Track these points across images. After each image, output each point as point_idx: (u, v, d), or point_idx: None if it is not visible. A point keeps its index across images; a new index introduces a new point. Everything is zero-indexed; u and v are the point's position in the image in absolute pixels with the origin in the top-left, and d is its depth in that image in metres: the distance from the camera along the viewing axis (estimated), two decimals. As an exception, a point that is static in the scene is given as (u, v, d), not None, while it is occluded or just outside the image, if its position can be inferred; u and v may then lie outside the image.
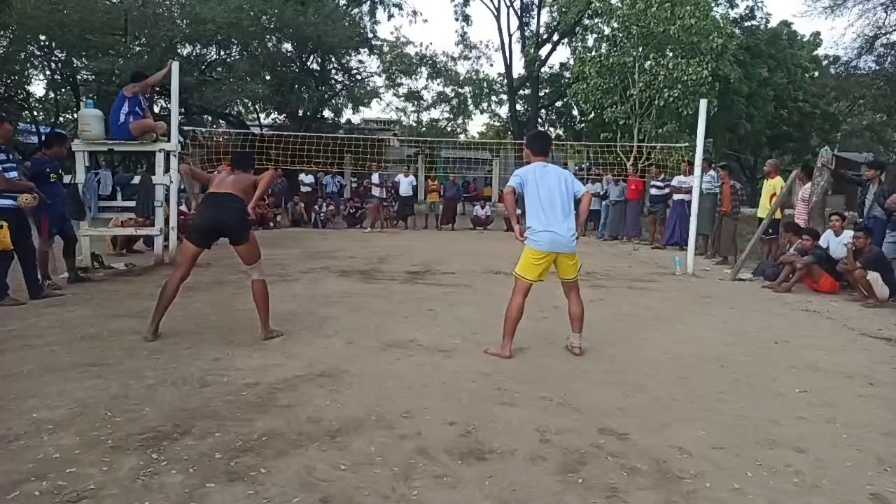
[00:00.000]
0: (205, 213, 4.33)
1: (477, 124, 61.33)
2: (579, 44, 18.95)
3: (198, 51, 19.37)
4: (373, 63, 26.14)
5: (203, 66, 19.47)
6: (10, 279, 5.42)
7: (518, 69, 27.12)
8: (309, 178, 16.16)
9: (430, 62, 27.80)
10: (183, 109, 7.56)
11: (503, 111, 30.47)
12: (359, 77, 23.61)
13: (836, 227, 7.29)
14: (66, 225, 6.44)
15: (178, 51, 18.12)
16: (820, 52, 29.44)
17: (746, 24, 25.62)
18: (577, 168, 19.53)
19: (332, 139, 16.11)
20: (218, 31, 16.66)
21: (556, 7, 22.46)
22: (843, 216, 7.43)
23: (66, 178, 6.90)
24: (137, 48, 17.38)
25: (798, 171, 9.07)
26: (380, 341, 4.42)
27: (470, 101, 29.86)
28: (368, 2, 24.54)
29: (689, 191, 9.85)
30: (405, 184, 15.47)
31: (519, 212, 4.42)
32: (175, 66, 7.84)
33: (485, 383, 3.58)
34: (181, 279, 4.36)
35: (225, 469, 2.44)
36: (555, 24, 25.10)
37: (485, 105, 30.05)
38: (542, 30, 26.30)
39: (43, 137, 16.27)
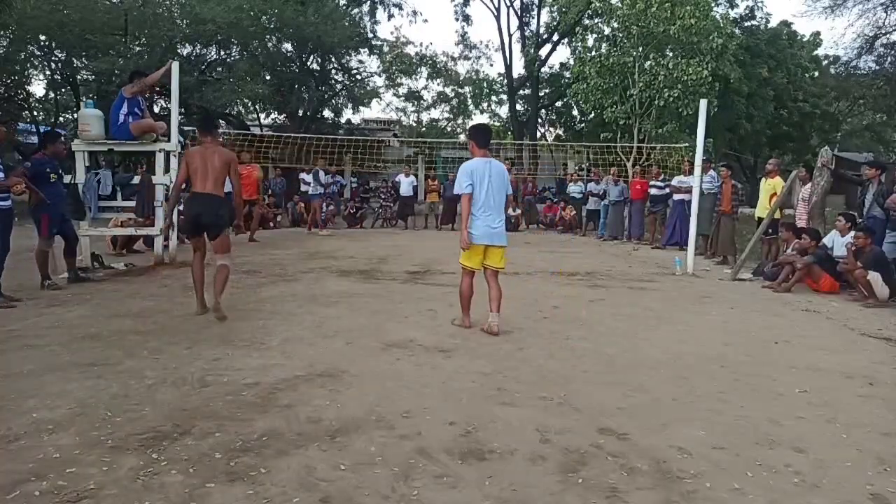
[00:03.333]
0: (194, 209, 4.95)
1: (477, 124, 61.09)
2: (579, 44, 18.88)
3: (198, 51, 19.35)
4: (373, 63, 26.12)
5: (203, 66, 19.46)
6: (4, 279, 5.43)
7: (518, 69, 27.09)
8: (310, 178, 16.15)
9: (430, 62, 27.79)
10: (183, 109, 7.54)
11: (503, 111, 30.45)
12: (359, 77, 23.61)
13: (840, 227, 7.29)
14: (67, 225, 6.44)
15: (178, 51, 18.10)
16: (820, 52, 29.40)
17: (746, 24, 25.58)
18: (577, 168, 19.51)
19: (332, 139, 16.10)
20: (218, 31, 16.64)
21: (556, 7, 22.43)
22: (850, 217, 7.39)
23: (67, 178, 6.90)
24: (137, 48, 17.36)
25: (799, 170, 9.06)
26: (380, 341, 4.42)
27: (470, 101, 29.84)
28: (368, 2, 24.53)
29: (688, 191, 9.85)
30: (405, 184, 15.44)
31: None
32: (175, 66, 7.84)
33: (485, 383, 3.58)
34: (202, 258, 5.07)
35: (225, 469, 2.44)
36: (555, 24, 25.06)
37: (485, 105, 30.03)
38: (542, 30, 26.25)
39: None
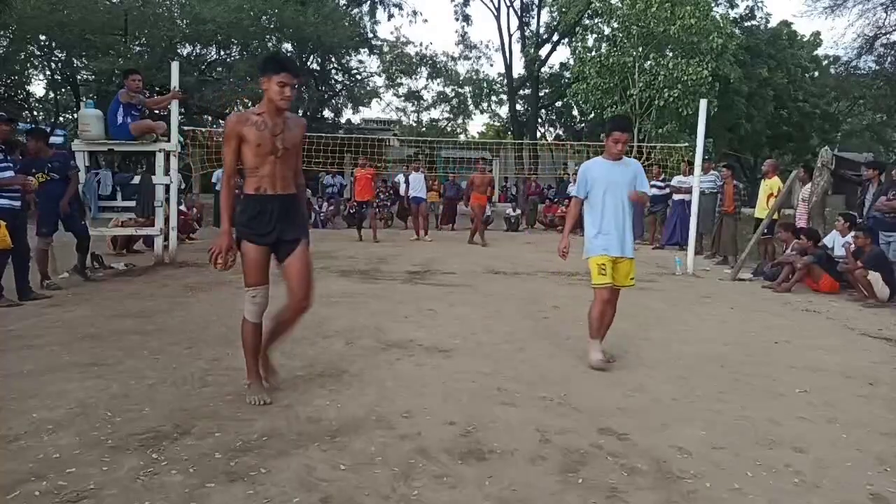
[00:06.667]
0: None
1: (477, 124, 61.20)
2: (579, 44, 18.89)
3: (198, 51, 19.41)
4: (373, 63, 26.16)
5: (203, 66, 19.51)
6: (5, 280, 5.42)
7: (518, 69, 27.11)
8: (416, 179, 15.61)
9: (430, 62, 27.81)
10: (183, 109, 7.55)
11: (503, 111, 30.48)
12: (359, 77, 23.70)
13: (840, 228, 7.29)
14: (73, 222, 6.49)
15: (178, 51, 18.15)
16: (820, 52, 29.44)
17: (746, 24, 25.60)
18: (577, 168, 19.51)
19: (332, 139, 16.10)
20: (218, 31, 16.69)
21: (556, 7, 22.45)
22: (850, 217, 7.39)
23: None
24: (137, 48, 17.40)
25: (799, 170, 9.06)
26: (380, 341, 4.42)
27: (470, 101, 29.87)
28: (368, 2, 24.57)
29: (688, 191, 9.85)
30: (405, 184, 15.40)
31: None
32: (175, 65, 7.84)
33: (485, 383, 3.58)
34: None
35: (225, 469, 2.44)
36: (555, 24, 25.08)
37: (485, 105, 30.07)
38: (542, 30, 26.29)
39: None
